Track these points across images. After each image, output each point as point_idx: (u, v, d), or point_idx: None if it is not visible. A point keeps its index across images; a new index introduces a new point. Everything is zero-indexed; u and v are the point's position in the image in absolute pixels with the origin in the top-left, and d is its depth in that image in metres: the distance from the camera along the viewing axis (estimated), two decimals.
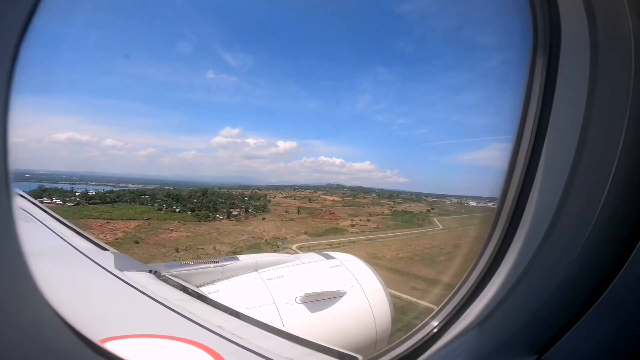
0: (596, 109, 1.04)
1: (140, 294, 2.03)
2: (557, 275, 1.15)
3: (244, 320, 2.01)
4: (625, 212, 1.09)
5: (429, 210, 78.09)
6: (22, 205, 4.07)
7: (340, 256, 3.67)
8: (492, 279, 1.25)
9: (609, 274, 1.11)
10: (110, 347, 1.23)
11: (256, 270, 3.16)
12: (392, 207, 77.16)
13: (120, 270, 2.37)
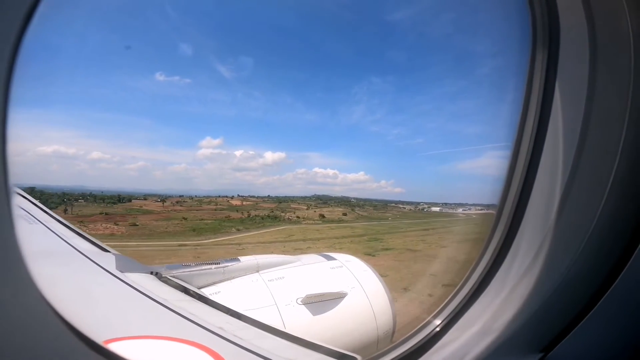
0: (596, 107, 1.04)
1: (142, 295, 2.03)
2: (560, 274, 1.14)
3: (245, 322, 2.01)
4: (627, 211, 1.09)
5: (322, 216, 77.56)
6: (24, 206, 4.09)
7: (341, 257, 3.67)
8: (495, 277, 1.25)
9: (613, 273, 1.11)
10: (113, 348, 1.23)
11: (257, 271, 3.16)
12: (268, 212, 76.15)
13: (121, 272, 2.37)
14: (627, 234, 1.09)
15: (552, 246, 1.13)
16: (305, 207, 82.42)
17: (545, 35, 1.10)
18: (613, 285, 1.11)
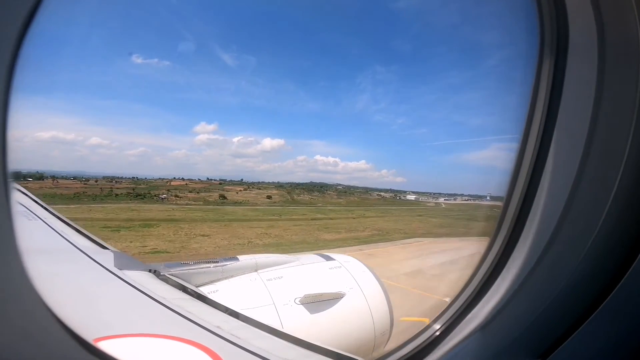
0: (603, 111, 1.03)
1: (139, 293, 2.02)
2: (561, 279, 1.13)
3: (242, 321, 2.00)
4: (631, 216, 1.08)
5: (222, 197, 71.84)
6: (23, 202, 4.08)
7: (340, 257, 3.67)
8: (496, 282, 1.24)
9: (614, 278, 1.10)
10: (105, 346, 1.23)
11: (256, 270, 3.16)
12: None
13: (120, 269, 2.37)
14: (630, 239, 1.08)
15: (554, 251, 1.12)
16: (242, 189, 79.83)
17: (554, 34, 1.09)
18: (613, 292, 1.10)
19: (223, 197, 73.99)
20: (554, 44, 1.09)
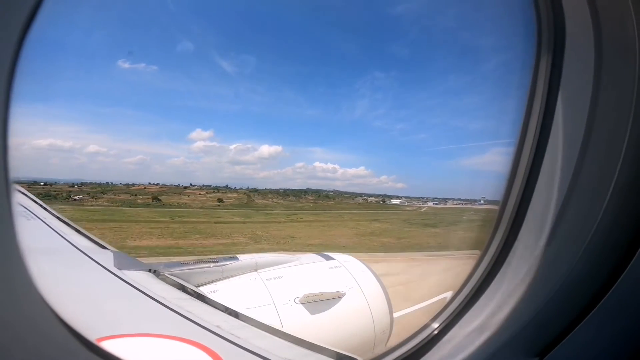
0: (600, 110, 1.04)
1: (139, 292, 2.03)
2: (559, 278, 1.14)
3: (242, 320, 2.01)
4: (628, 215, 1.09)
5: (156, 199, 72.55)
6: (22, 203, 4.09)
7: (340, 257, 3.68)
8: (494, 280, 1.25)
9: (611, 278, 1.11)
10: (107, 346, 1.23)
11: (256, 270, 3.16)
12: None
13: (119, 269, 2.37)
14: (627, 238, 1.09)
15: (552, 251, 1.12)
16: (202, 193, 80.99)
17: (551, 35, 1.09)
18: (610, 292, 1.11)
19: (156, 199, 74.50)
20: (551, 44, 1.10)
